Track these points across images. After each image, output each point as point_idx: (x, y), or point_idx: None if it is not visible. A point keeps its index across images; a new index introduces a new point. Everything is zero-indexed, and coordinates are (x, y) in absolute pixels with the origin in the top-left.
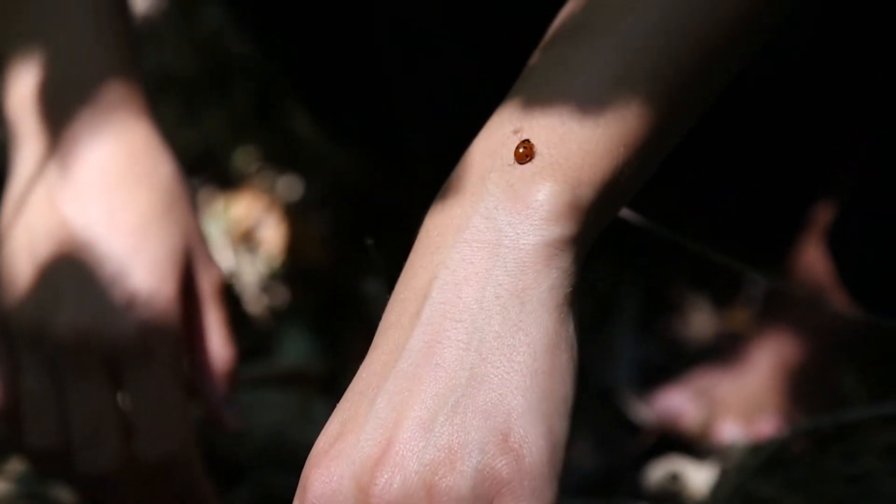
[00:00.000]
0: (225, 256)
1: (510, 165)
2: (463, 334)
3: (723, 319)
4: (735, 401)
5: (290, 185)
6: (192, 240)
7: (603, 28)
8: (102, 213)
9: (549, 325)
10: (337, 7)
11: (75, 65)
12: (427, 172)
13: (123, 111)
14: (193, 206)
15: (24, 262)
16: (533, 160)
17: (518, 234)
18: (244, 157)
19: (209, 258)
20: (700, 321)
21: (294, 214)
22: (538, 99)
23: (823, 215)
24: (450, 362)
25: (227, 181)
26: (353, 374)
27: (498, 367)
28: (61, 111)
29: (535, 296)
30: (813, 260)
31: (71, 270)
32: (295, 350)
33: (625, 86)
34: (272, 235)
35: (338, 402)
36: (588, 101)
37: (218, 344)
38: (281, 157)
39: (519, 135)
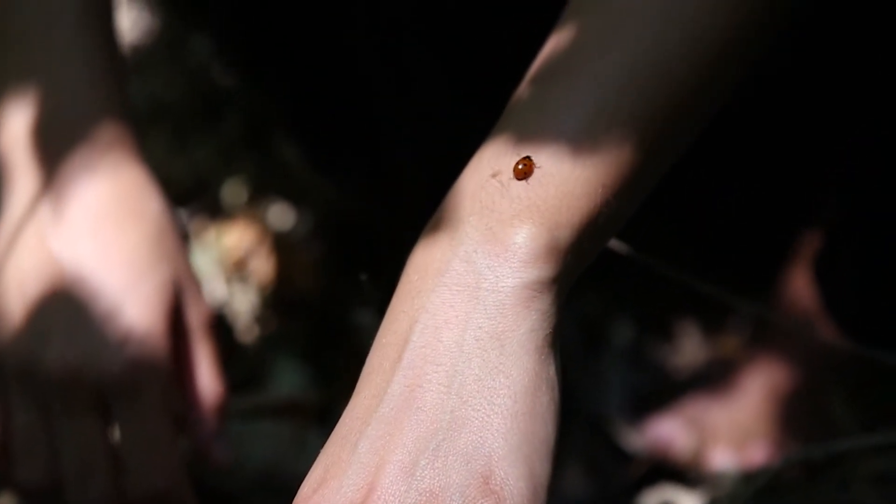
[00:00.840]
0: (217, 286)
1: (489, 209)
2: (443, 378)
3: (713, 346)
4: (726, 428)
5: (282, 215)
6: (182, 275)
7: (580, 69)
8: (92, 251)
9: (529, 368)
10: (323, 38)
11: (66, 105)
12: (416, 202)
13: (113, 151)
14: (182, 241)
15: (14, 300)
16: (532, 175)
17: (497, 276)
18: (235, 187)
19: (198, 292)
20: (690, 348)
21: (285, 244)
22: (516, 141)
23: (811, 243)
24: (431, 406)
25: (219, 211)
26: (346, 405)
27: (478, 411)
28: (52, 151)
29: (515, 338)
30: (801, 288)
31: (60, 307)
32: (288, 380)
33: (601, 127)
34: (264, 265)
35: (331, 432)
36: (564, 144)
37: (207, 378)
38: (272, 187)
39: (498, 178)
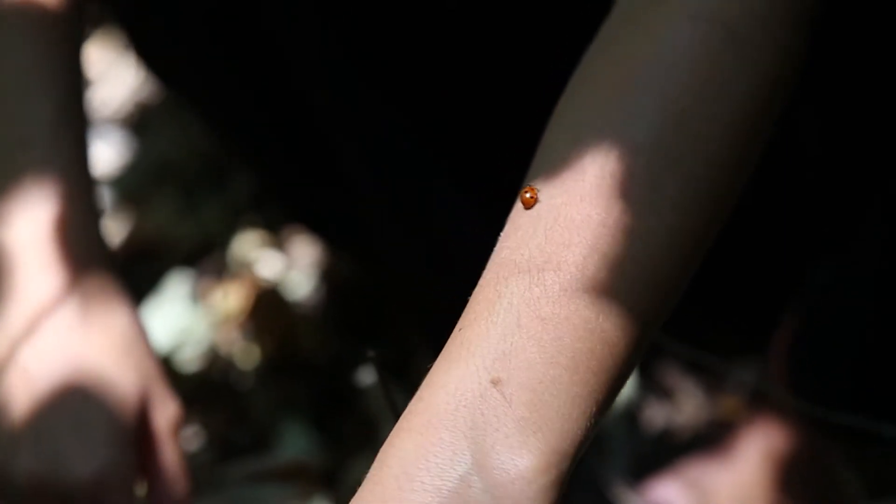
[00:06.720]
0: (223, 347)
1: (493, 427)
2: None
3: (713, 407)
4: (727, 490)
5: (288, 275)
6: (149, 380)
7: (568, 267)
8: (60, 364)
9: None
10: (308, 137)
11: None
12: (403, 280)
13: (81, 265)
14: (150, 346)
15: None
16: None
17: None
18: (242, 247)
19: (166, 397)
20: (690, 410)
21: (292, 304)
22: (510, 349)
23: (792, 316)
24: None
25: (226, 271)
26: (352, 469)
27: None
28: (24, 269)
29: None
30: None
31: (29, 418)
32: (294, 444)
33: (591, 343)
34: (270, 326)
35: (338, 496)
36: (556, 364)
37: (172, 481)
38: (278, 247)
39: (499, 388)
